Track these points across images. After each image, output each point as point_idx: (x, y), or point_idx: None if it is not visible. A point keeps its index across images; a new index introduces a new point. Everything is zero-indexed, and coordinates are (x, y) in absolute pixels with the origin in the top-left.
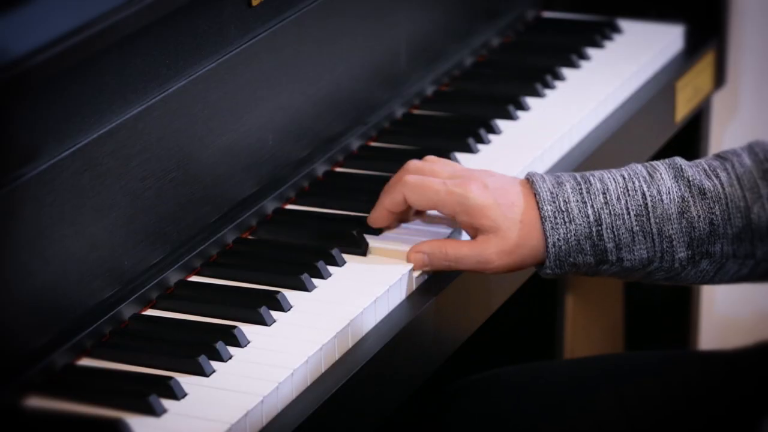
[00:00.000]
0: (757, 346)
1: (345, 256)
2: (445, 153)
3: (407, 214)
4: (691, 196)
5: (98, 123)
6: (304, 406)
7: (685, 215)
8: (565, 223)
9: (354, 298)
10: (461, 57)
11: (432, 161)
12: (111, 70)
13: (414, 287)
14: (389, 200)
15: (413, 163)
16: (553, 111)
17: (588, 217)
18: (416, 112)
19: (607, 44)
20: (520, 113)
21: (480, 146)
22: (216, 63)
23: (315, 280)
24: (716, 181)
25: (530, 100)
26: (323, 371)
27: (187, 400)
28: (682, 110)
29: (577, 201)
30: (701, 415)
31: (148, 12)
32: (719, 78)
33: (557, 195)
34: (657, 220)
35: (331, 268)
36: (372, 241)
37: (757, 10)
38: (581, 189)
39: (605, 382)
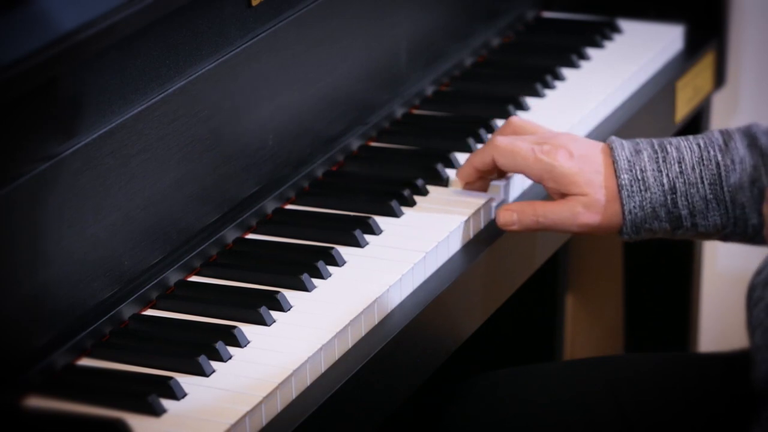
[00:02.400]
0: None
1: (345, 255)
2: (445, 153)
3: (493, 173)
4: (764, 165)
5: (98, 123)
6: (304, 406)
7: (756, 183)
8: (641, 191)
9: (354, 298)
10: (461, 57)
11: (514, 127)
12: (111, 69)
13: (416, 286)
14: (479, 159)
15: (513, 120)
16: (553, 111)
17: (663, 186)
18: (416, 112)
19: (607, 44)
20: (519, 113)
21: (480, 146)
22: (216, 63)
23: (315, 280)
24: None
25: (530, 101)
26: (323, 371)
27: (187, 400)
28: (682, 110)
29: (653, 170)
30: (699, 417)
31: (148, 12)
32: (719, 78)
33: (634, 163)
34: (730, 189)
35: (330, 268)
36: (372, 240)
37: (757, 10)
38: (657, 158)
39: (604, 384)
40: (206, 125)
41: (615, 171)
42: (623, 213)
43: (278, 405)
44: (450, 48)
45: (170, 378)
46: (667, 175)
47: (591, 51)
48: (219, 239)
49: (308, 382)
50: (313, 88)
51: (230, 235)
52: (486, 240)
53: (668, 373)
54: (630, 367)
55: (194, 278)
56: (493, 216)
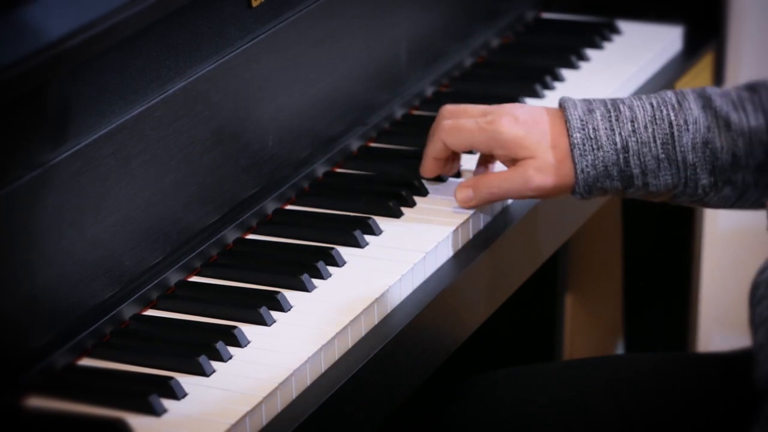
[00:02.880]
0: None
1: (345, 256)
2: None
3: (454, 160)
4: (717, 127)
5: (99, 123)
6: (304, 406)
7: (708, 145)
8: (593, 150)
9: (354, 298)
10: (461, 58)
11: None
12: (112, 70)
13: (415, 286)
14: (431, 148)
15: (448, 107)
16: None
17: (615, 145)
18: (416, 112)
19: (607, 45)
20: None
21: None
22: (216, 64)
23: (315, 281)
24: (742, 114)
25: (529, 101)
26: (323, 371)
27: (187, 400)
28: None
29: (606, 129)
30: (699, 417)
31: (148, 13)
32: (718, 79)
33: (587, 122)
34: (682, 149)
35: (330, 269)
36: (372, 240)
37: (756, 10)
38: (610, 116)
39: (603, 384)
40: (207, 126)
41: (567, 130)
42: (575, 172)
43: (278, 405)
44: (450, 48)
45: (171, 378)
46: (620, 133)
47: (590, 52)
48: (219, 239)
49: (308, 382)
50: (313, 89)
51: (230, 235)
52: (486, 240)
53: (668, 373)
54: (630, 367)
55: (195, 278)
56: (492, 217)
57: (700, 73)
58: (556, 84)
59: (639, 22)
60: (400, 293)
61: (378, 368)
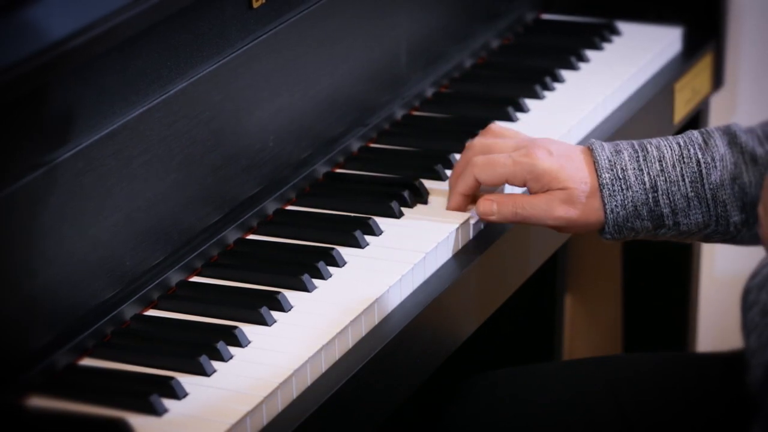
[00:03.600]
0: None
1: (346, 256)
2: (445, 154)
3: (478, 190)
4: (744, 163)
5: (100, 124)
6: (304, 405)
7: (737, 181)
8: (622, 190)
9: (354, 298)
10: (461, 59)
11: (494, 133)
12: (113, 71)
13: (415, 286)
14: (462, 185)
15: (477, 142)
16: (552, 113)
17: (644, 184)
18: (416, 113)
19: (606, 46)
20: (519, 115)
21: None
22: (217, 65)
23: (315, 281)
24: None
25: (529, 102)
26: (324, 371)
27: (188, 400)
28: (681, 112)
29: (634, 168)
30: (699, 417)
31: (149, 14)
32: (717, 80)
33: (615, 163)
34: (711, 186)
35: (331, 269)
36: (372, 241)
37: (755, 12)
38: (638, 156)
39: (603, 384)
40: (207, 126)
41: (596, 170)
42: (605, 212)
43: (279, 405)
44: (450, 49)
45: (171, 378)
46: (648, 173)
47: (590, 53)
48: (220, 240)
49: (309, 382)
50: (313, 90)
51: (231, 235)
52: (486, 241)
53: (668, 373)
54: (629, 367)
55: (195, 278)
56: None
57: (700, 74)
58: (556, 85)
59: (638, 23)
60: (401, 293)
61: (378, 368)
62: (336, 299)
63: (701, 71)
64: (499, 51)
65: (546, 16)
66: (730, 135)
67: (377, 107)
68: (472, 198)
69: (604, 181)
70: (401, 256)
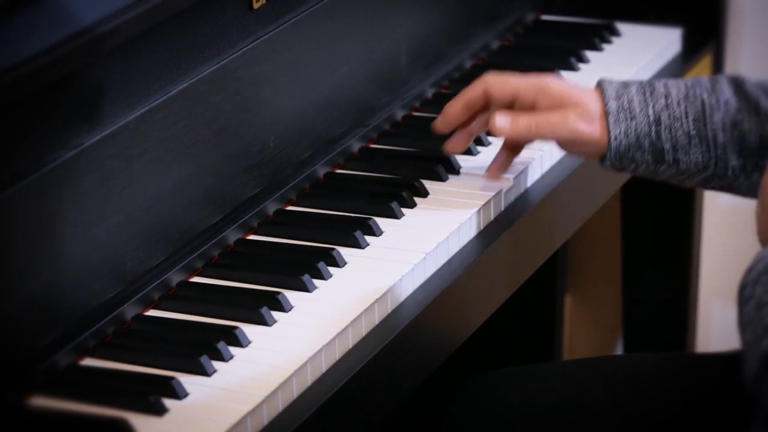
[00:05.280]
0: None
1: (346, 256)
2: (444, 155)
3: (480, 111)
4: (746, 111)
5: (101, 125)
6: (305, 405)
7: (737, 126)
8: (626, 119)
9: (355, 299)
10: (461, 59)
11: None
12: (114, 72)
13: (416, 286)
14: (469, 90)
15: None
16: None
17: (648, 117)
18: (416, 114)
19: (606, 47)
20: None
21: (480, 148)
22: (218, 65)
23: (316, 281)
24: None
25: None
26: (324, 371)
27: (189, 400)
28: None
29: (640, 101)
30: (699, 417)
31: (150, 15)
32: None
33: (622, 94)
34: (713, 126)
35: (331, 269)
36: (372, 241)
37: (754, 12)
38: (644, 91)
39: (603, 384)
40: (208, 127)
41: (603, 98)
42: (608, 138)
43: (279, 405)
44: (450, 50)
45: (172, 378)
46: (653, 106)
47: (590, 54)
48: (221, 240)
49: (309, 382)
50: (314, 90)
51: (232, 236)
52: (486, 240)
53: (667, 373)
54: (629, 367)
55: (196, 279)
56: (491, 217)
57: (699, 75)
58: None
59: (638, 24)
60: (401, 293)
61: (379, 368)
62: (336, 299)
63: (701, 72)
64: (499, 52)
65: (546, 17)
66: (738, 83)
67: (377, 108)
68: (470, 113)
69: (610, 109)
70: (402, 257)
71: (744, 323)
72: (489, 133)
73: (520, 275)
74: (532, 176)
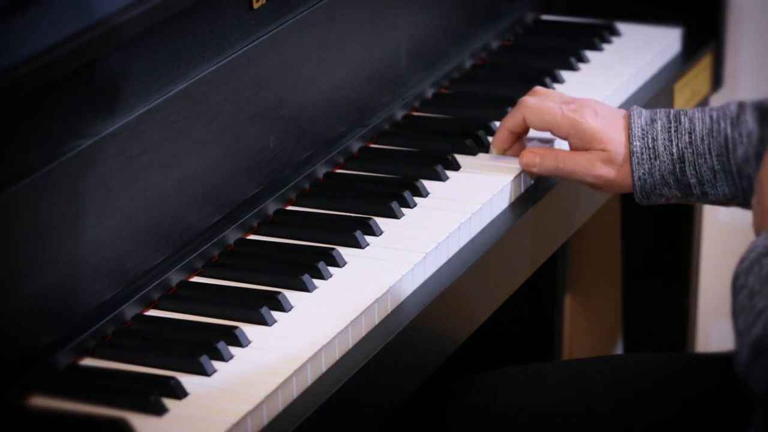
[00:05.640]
0: None
1: (346, 256)
2: (445, 155)
3: (524, 134)
4: None
5: (101, 125)
6: (305, 405)
7: (760, 158)
8: (650, 159)
9: (354, 298)
10: (461, 59)
11: (540, 92)
12: (113, 72)
13: (416, 286)
14: (510, 121)
15: (530, 97)
16: None
17: (672, 155)
18: (416, 114)
19: (606, 47)
20: None
21: (480, 148)
22: (218, 65)
23: (316, 281)
24: None
25: None
26: (324, 371)
27: (189, 400)
28: None
29: (664, 139)
30: (699, 417)
31: (150, 15)
32: (717, 80)
33: (647, 132)
34: (737, 161)
35: (331, 269)
36: (372, 241)
37: (754, 12)
38: (670, 127)
39: (603, 384)
40: (208, 127)
41: (629, 137)
42: (632, 178)
43: (279, 405)
44: (450, 50)
45: (172, 378)
46: (677, 144)
47: (589, 54)
48: (220, 240)
49: (309, 382)
50: (314, 90)
51: (232, 236)
52: (486, 240)
53: (667, 373)
54: (629, 367)
55: (196, 279)
56: (492, 217)
57: (699, 75)
58: (556, 85)
59: (638, 24)
60: (401, 293)
61: (379, 368)
62: (336, 299)
63: (701, 72)
64: (499, 52)
65: (546, 17)
66: (762, 111)
67: (377, 108)
68: (516, 137)
69: (635, 149)
70: (402, 256)
71: (737, 312)
72: (488, 133)
73: (521, 275)
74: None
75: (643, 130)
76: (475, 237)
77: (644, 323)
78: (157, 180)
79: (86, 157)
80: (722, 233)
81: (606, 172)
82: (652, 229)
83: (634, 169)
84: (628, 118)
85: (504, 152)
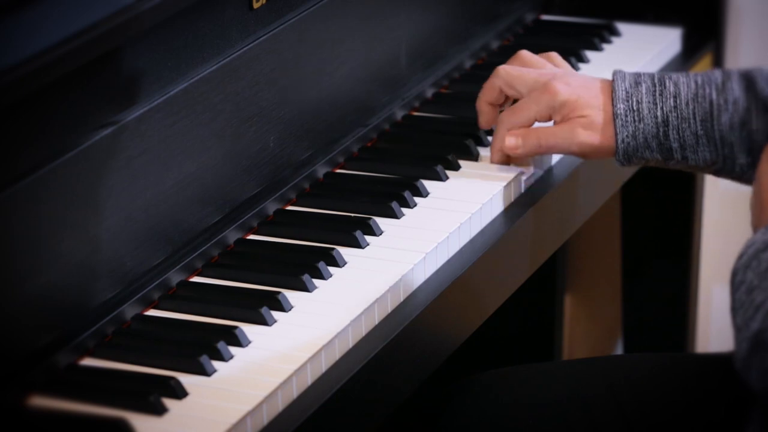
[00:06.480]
0: None
1: (346, 256)
2: (445, 155)
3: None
4: (756, 109)
5: (100, 125)
6: (305, 405)
7: (745, 125)
8: (634, 121)
9: (355, 298)
10: (461, 60)
11: (522, 59)
12: (113, 72)
13: (416, 286)
14: (486, 92)
15: (503, 70)
16: None
17: (656, 118)
18: (416, 114)
19: (606, 47)
20: None
21: (480, 148)
22: (218, 65)
23: (315, 281)
24: None
25: None
26: (324, 371)
27: (188, 400)
28: None
29: (649, 102)
30: (699, 417)
31: (150, 15)
32: None
33: (631, 94)
34: (720, 127)
35: (331, 269)
36: (372, 241)
37: (754, 12)
38: (655, 91)
39: (603, 383)
40: (208, 127)
41: (612, 100)
42: (616, 140)
43: (279, 404)
44: (450, 50)
45: (172, 378)
46: (662, 108)
47: (589, 54)
48: (220, 240)
49: (309, 382)
50: (313, 90)
51: (232, 236)
52: (486, 240)
53: (668, 373)
54: (630, 367)
55: (196, 279)
56: (491, 217)
57: None
58: None
59: (638, 24)
60: (401, 293)
61: (379, 368)
62: (336, 299)
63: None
64: (499, 52)
65: (546, 17)
66: (749, 80)
67: (377, 108)
68: (497, 108)
69: (618, 111)
70: (402, 256)
71: (736, 308)
72: (487, 132)
73: (521, 275)
74: (536, 174)
75: (627, 92)
76: (475, 237)
77: (644, 323)
78: (157, 180)
79: (86, 157)
80: (723, 233)
81: (588, 137)
82: (653, 229)
83: (618, 131)
84: (612, 82)
85: (491, 124)
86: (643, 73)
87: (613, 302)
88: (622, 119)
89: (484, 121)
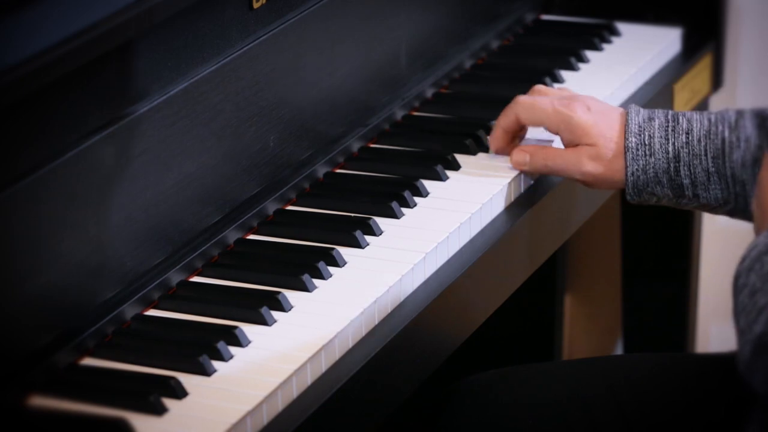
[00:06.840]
0: None
1: (346, 256)
2: (445, 155)
3: (519, 132)
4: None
5: (101, 125)
6: (305, 405)
7: (757, 163)
8: (645, 155)
9: (354, 298)
10: (461, 59)
11: (539, 91)
12: (113, 72)
13: (415, 286)
14: (503, 119)
15: (523, 96)
16: None
17: (668, 153)
18: (416, 114)
19: (606, 47)
20: None
21: (480, 149)
22: (218, 65)
23: (315, 281)
24: None
25: None
26: (324, 371)
27: (188, 400)
28: None
29: (661, 137)
30: (699, 417)
31: (150, 15)
32: (716, 80)
33: (644, 129)
34: (732, 165)
35: (331, 269)
36: (372, 241)
37: (754, 12)
38: (667, 126)
39: (603, 383)
40: (208, 127)
41: (625, 133)
42: (626, 173)
43: (279, 404)
44: (450, 50)
45: (172, 378)
46: (673, 143)
47: (589, 53)
48: (220, 240)
49: (309, 382)
50: (314, 90)
51: (232, 235)
52: (486, 240)
53: (668, 373)
54: (630, 367)
55: (196, 279)
56: (491, 217)
57: (699, 75)
58: (556, 85)
59: (638, 24)
60: (401, 293)
61: (378, 368)
62: (336, 299)
63: (700, 72)
64: (499, 52)
65: (546, 17)
66: (761, 118)
67: (377, 108)
68: (511, 136)
69: (630, 145)
70: (401, 256)
71: (738, 312)
72: (487, 133)
73: (520, 275)
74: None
75: (639, 126)
76: (475, 237)
77: (644, 323)
78: (157, 180)
79: (86, 157)
80: (722, 233)
81: (593, 168)
82: (653, 229)
83: (628, 164)
84: (626, 115)
85: (501, 151)
86: (658, 110)
87: (613, 302)
88: (633, 152)
89: (494, 146)
